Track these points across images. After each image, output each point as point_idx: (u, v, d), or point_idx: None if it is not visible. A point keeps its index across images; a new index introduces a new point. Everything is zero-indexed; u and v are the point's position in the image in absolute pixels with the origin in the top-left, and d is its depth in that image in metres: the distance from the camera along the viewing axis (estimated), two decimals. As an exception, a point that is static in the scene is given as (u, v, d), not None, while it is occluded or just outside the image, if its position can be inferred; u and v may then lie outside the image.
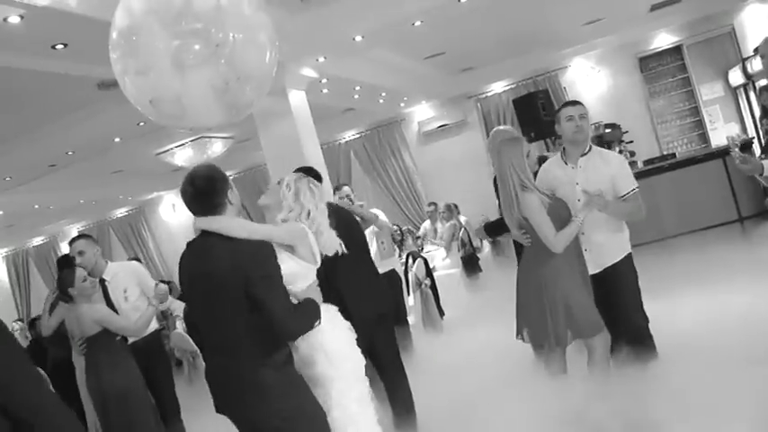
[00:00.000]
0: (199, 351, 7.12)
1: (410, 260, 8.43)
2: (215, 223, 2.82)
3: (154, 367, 4.99)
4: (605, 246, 3.88)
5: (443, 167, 12.56)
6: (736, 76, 11.06)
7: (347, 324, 3.15)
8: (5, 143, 8.05)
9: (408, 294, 7.69)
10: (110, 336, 4.64)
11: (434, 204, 11.42)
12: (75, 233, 15.17)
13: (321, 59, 7.38)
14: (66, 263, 5.12)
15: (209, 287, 2.76)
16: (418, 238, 10.96)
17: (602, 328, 3.70)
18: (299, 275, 3.01)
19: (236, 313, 2.74)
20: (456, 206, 10.60)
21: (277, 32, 3.10)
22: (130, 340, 4.88)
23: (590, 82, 12.22)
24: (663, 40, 11.92)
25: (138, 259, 9.05)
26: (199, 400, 5.97)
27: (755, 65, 10.85)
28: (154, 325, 5.19)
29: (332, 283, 3.48)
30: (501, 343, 5.07)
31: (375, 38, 7.18)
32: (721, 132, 11.57)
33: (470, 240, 10.46)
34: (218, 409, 2.89)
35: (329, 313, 3.08)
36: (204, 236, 2.84)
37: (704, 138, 11.74)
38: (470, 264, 10.16)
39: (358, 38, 6.99)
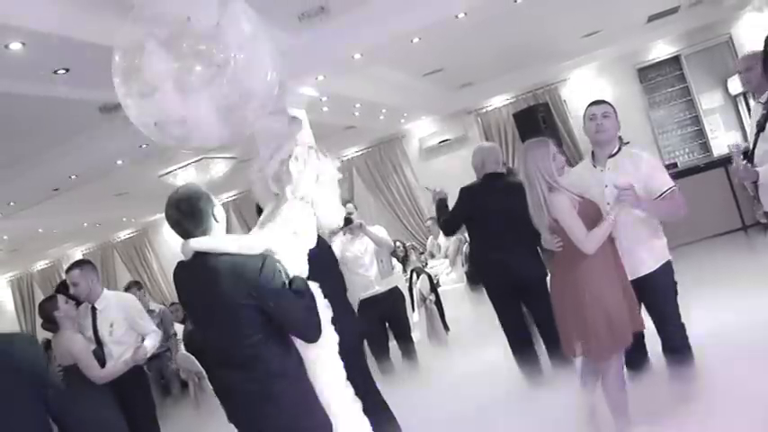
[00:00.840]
0: (205, 373, 7.11)
1: (414, 276, 8.43)
2: (207, 243, 2.80)
3: (132, 395, 4.90)
4: (639, 253, 3.77)
5: (445, 182, 12.41)
6: (735, 85, 11.08)
7: (334, 337, 3.01)
8: (8, 169, 8.09)
9: (413, 310, 7.68)
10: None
11: (434, 219, 11.42)
12: (79, 256, 15.20)
13: (320, 78, 7.41)
14: (64, 288, 5.15)
15: (214, 306, 2.76)
16: (422, 253, 10.97)
17: (629, 341, 3.59)
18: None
19: (245, 328, 2.72)
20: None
21: (276, 51, 3.11)
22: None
23: (590, 94, 12.21)
24: (661, 50, 11.96)
25: (138, 283, 9.00)
26: (204, 425, 6.02)
27: (734, 86, 10.95)
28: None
29: None
30: (505, 360, 5.10)
31: (374, 55, 7.21)
32: (722, 141, 11.56)
33: (474, 254, 10.44)
34: (231, 419, 2.89)
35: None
36: (198, 256, 2.80)
37: (706, 147, 11.75)
38: (475, 278, 10.12)
39: (357, 56, 7.02)
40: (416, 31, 6.80)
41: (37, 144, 7.56)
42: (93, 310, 4.98)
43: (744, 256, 7.37)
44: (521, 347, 5.00)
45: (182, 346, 8.29)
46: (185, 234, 2.84)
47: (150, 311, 8.27)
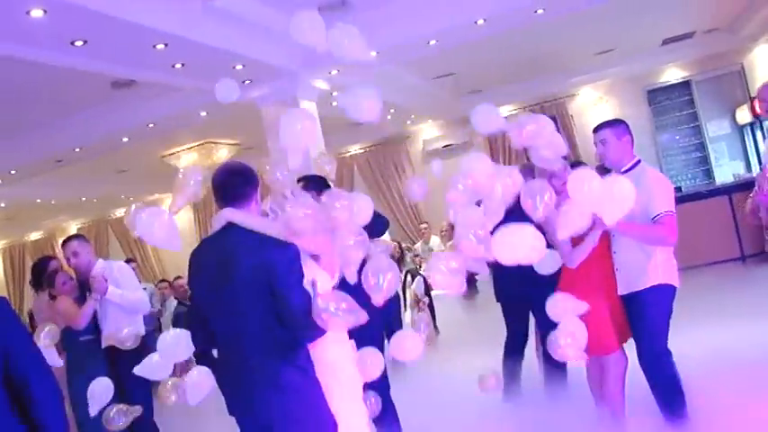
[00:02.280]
0: (193, 356, 7.08)
1: (409, 277, 8.44)
2: (243, 217, 2.74)
3: (126, 375, 4.85)
4: (631, 269, 3.75)
5: (446, 187, 12.51)
6: (744, 115, 11.13)
7: (350, 341, 3.01)
8: (14, 136, 8.07)
9: (405, 311, 7.69)
10: (73, 335, 4.64)
11: (427, 224, 11.46)
12: (74, 230, 15.17)
13: (334, 72, 7.40)
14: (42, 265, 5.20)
15: (233, 281, 2.66)
16: (417, 255, 10.97)
17: (613, 349, 3.70)
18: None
19: (261, 309, 2.64)
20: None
21: (293, 42, 3.09)
22: (104, 343, 4.76)
23: (597, 111, 12.27)
24: (672, 74, 12.00)
25: (133, 260, 8.98)
26: (193, 413, 5.98)
27: (743, 116, 10.99)
28: (139, 329, 4.93)
29: None
30: (494, 366, 5.10)
31: (390, 54, 7.19)
32: (726, 169, 11.63)
33: (470, 261, 10.43)
34: (232, 411, 2.79)
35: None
36: (227, 229, 2.74)
37: (709, 174, 11.78)
38: (468, 284, 10.11)
39: (373, 53, 7.01)
40: (435, 34, 6.80)
41: (46, 114, 7.55)
42: (86, 284, 4.97)
43: (739, 285, 7.40)
44: (512, 353, 5.03)
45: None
46: (222, 202, 2.77)
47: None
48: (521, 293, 4.90)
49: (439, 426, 4.34)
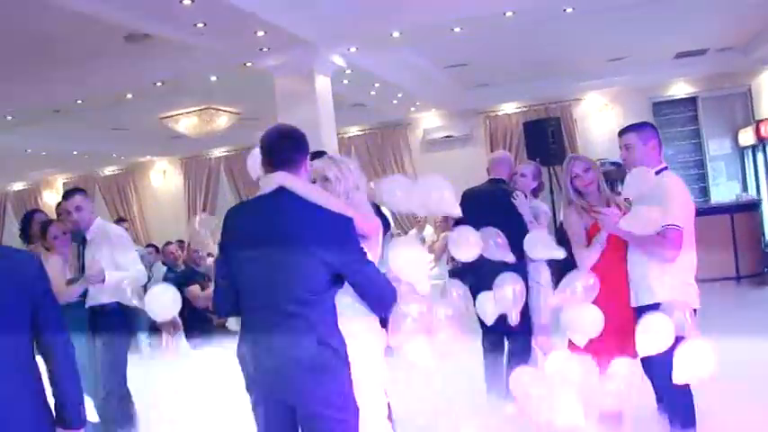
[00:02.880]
0: (181, 324, 6.96)
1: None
2: (296, 183, 2.62)
3: (105, 342, 4.60)
4: (638, 282, 3.66)
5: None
6: (747, 137, 11.14)
7: (383, 333, 2.87)
8: (15, 81, 7.79)
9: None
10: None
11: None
12: (60, 184, 14.89)
13: (353, 49, 7.28)
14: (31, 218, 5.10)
15: (280, 250, 2.52)
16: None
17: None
18: None
19: (304, 281, 2.52)
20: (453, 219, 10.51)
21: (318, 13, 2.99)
22: (88, 303, 4.59)
23: (601, 118, 12.23)
24: (680, 89, 11.98)
25: (124, 219, 8.77)
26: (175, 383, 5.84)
27: (745, 137, 11.00)
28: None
29: None
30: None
31: (413, 35, 7.09)
32: (722, 189, 11.67)
33: (461, 255, 10.38)
34: (251, 387, 2.64)
35: (369, 317, 2.82)
36: (278, 193, 2.61)
37: (705, 191, 11.79)
38: (456, 276, 10.07)
39: (396, 33, 6.90)
40: (462, 20, 6.69)
41: (52, 61, 7.31)
42: (84, 240, 4.76)
43: (733, 305, 7.40)
44: (488, 352, 5.04)
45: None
46: (271, 165, 2.66)
47: (132, 252, 8.10)
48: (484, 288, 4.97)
49: (428, 418, 4.19)
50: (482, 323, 4.94)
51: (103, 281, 4.34)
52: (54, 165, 14.07)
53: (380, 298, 2.68)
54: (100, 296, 4.54)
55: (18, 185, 15.66)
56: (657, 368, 3.56)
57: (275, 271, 2.54)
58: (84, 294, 4.57)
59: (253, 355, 2.60)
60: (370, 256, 2.68)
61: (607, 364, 3.72)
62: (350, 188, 2.85)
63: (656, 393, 3.67)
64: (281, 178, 2.62)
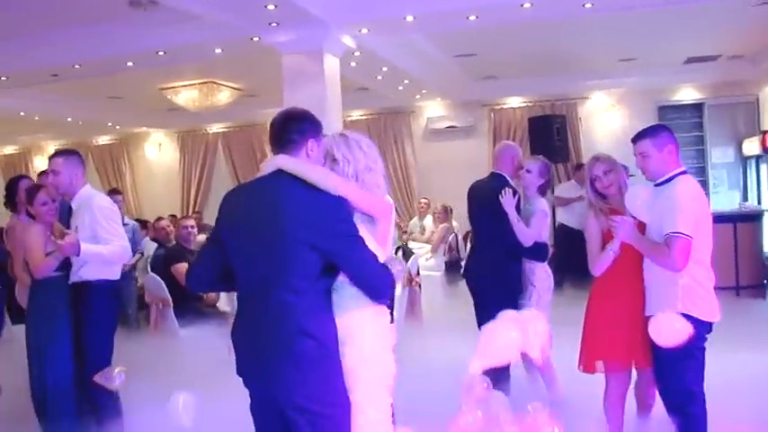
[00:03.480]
0: (171, 300, 6.78)
1: (399, 254, 8.21)
2: (293, 164, 2.53)
3: (88, 319, 4.32)
4: (650, 291, 3.57)
5: (443, 168, 12.31)
6: (751, 147, 11.02)
7: (391, 326, 2.77)
8: (13, 40, 7.57)
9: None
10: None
11: (427, 200, 11.28)
12: (51, 150, 14.57)
13: (364, 30, 7.09)
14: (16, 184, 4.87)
15: (272, 233, 2.46)
16: (404, 232, 10.75)
17: (613, 369, 3.66)
18: None
19: (294, 268, 2.44)
20: (451, 210, 10.42)
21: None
22: (71, 279, 4.33)
23: (606, 118, 12.09)
24: (687, 94, 11.86)
25: (119, 192, 8.53)
26: (160, 359, 5.68)
27: (750, 147, 10.87)
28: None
29: None
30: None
31: (426, 21, 6.90)
32: (722, 197, 11.56)
33: (458, 246, 10.30)
34: (240, 371, 2.59)
35: (378, 309, 2.68)
36: (276, 175, 2.55)
37: (705, 199, 11.67)
38: (453, 269, 10.00)
39: (409, 17, 6.71)
40: (478, 8, 6.52)
41: (52, 22, 7.09)
42: (70, 209, 4.47)
43: (732, 316, 7.25)
44: None
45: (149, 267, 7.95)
46: (274, 147, 2.62)
47: (123, 224, 7.87)
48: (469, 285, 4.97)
49: (420, 414, 4.18)
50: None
51: (78, 253, 4.05)
52: (46, 130, 13.75)
53: (373, 287, 2.54)
54: (81, 272, 4.28)
55: (9, 149, 15.38)
56: (669, 378, 3.47)
57: (264, 256, 2.48)
58: (68, 270, 4.34)
59: (241, 341, 2.58)
60: (370, 242, 2.56)
61: (627, 374, 3.70)
62: (360, 170, 2.70)
63: (665, 404, 3.54)
64: (279, 160, 2.56)
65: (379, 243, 2.62)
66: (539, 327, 3.15)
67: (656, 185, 3.56)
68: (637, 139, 3.59)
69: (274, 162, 2.57)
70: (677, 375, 3.44)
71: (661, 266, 3.40)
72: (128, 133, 14.41)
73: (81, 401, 4.36)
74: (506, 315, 3.22)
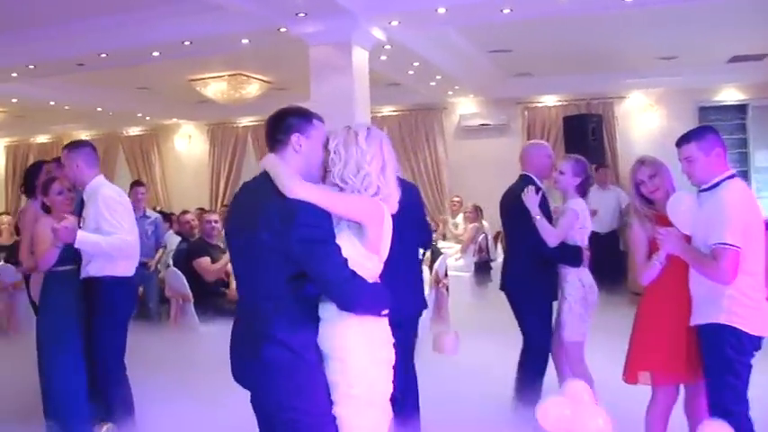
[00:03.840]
0: (191, 295, 6.66)
1: (429, 253, 7.99)
2: (272, 165, 2.47)
3: (98, 315, 4.22)
4: (695, 300, 3.39)
5: (474, 167, 12.07)
6: (797, 150, 10.61)
7: (389, 340, 2.59)
8: (38, 28, 7.50)
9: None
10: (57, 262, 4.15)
11: (460, 198, 11.08)
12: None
13: (395, 23, 6.88)
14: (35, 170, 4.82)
15: (249, 235, 2.46)
16: (434, 231, 10.54)
17: (658, 382, 3.52)
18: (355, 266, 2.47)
19: (268, 274, 2.42)
20: (482, 210, 10.19)
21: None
22: (81, 275, 4.24)
23: (643, 119, 11.71)
24: (730, 95, 11.43)
25: (142, 184, 8.43)
26: (179, 356, 5.58)
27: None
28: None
29: None
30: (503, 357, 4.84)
31: (459, 13, 6.64)
32: (765, 202, 11.13)
33: (488, 247, 10.06)
34: (232, 372, 2.63)
35: (366, 321, 2.52)
36: (259, 177, 2.54)
37: (747, 204, 11.27)
38: (482, 270, 9.81)
39: (441, 10, 6.48)
40: (513, 1, 6.28)
41: (77, 9, 6.98)
42: (82, 200, 4.39)
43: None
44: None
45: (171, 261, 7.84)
46: (267, 147, 2.60)
47: (146, 217, 7.79)
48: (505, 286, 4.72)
49: (446, 420, 4.06)
50: (527, 333, 4.63)
51: (74, 240, 3.93)
52: (78, 120, 13.84)
53: (339, 297, 2.42)
54: (88, 267, 4.18)
55: (42, 138, 15.50)
56: (709, 394, 3.32)
57: (244, 260, 2.53)
58: (79, 264, 4.24)
59: (231, 343, 2.61)
60: (354, 248, 2.45)
61: (674, 388, 3.57)
62: (346, 170, 2.51)
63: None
64: (265, 161, 2.51)
65: (370, 250, 2.49)
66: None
67: (701, 191, 3.39)
68: (681, 142, 3.41)
69: (262, 162, 2.57)
70: (716, 391, 3.29)
71: (709, 279, 3.24)
72: (158, 125, 14.39)
73: (91, 399, 4.23)
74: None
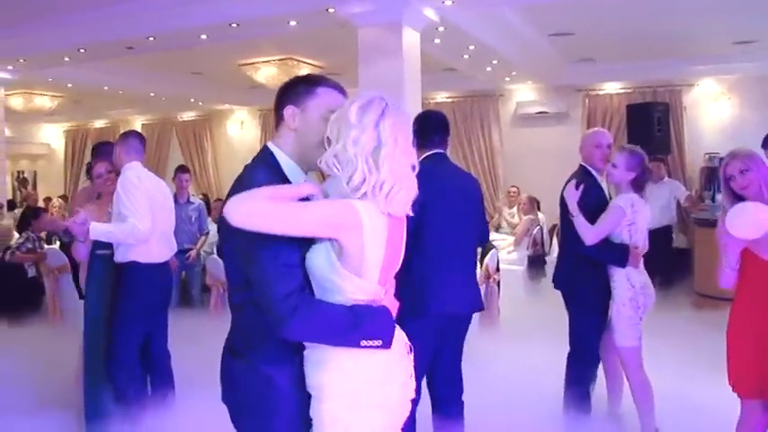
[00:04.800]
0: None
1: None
2: (270, 144, 2.17)
3: (116, 298, 4.18)
4: None
5: (530, 156, 11.62)
6: None
7: (389, 380, 1.96)
8: (88, 11, 7.42)
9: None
10: (96, 245, 4.16)
11: (517, 188, 10.68)
12: (138, 126, 14.76)
13: (448, 2, 6.52)
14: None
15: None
16: (486, 223, 10.17)
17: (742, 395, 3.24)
18: (329, 286, 1.91)
19: (232, 278, 2.07)
20: (538, 201, 9.76)
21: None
22: (117, 258, 4.23)
23: (714, 108, 11.06)
24: (812, 83, 10.68)
25: (187, 170, 8.23)
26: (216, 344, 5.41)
27: None
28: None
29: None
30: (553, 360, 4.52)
31: (517, -9, 6.30)
32: None
33: (542, 240, 9.64)
34: None
35: (367, 356, 1.93)
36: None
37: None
38: (536, 264, 9.38)
39: (500, -12, 6.12)
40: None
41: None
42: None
43: None
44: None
45: (215, 249, 7.70)
46: None
47: (189, 203, 7.65)
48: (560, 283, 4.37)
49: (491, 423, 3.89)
50: (571, 335, 4.30)
51: (86, 235, 3.95)
52: (132, 105, 14.01)
53: (268, 310, 1.87)
54: (116, 253, 4.16)
55: (99, 122, 15.70)
56: None
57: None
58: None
59: None
60: (319, 257, 1.89)
61: (760, 404, 3.27)
62: (330, 158, 1.90)
63: None
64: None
65: (349, 269, 1.87)
66: None
67: None
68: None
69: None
70: None
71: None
72: (211, 110, 14.40)
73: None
74: None
